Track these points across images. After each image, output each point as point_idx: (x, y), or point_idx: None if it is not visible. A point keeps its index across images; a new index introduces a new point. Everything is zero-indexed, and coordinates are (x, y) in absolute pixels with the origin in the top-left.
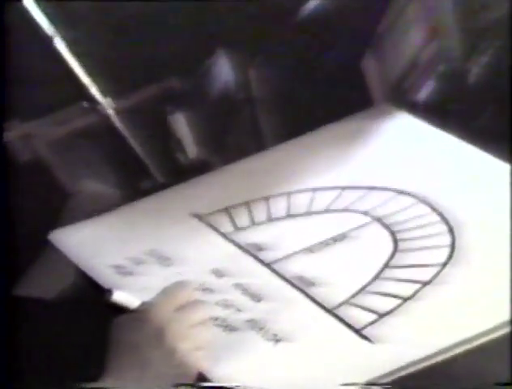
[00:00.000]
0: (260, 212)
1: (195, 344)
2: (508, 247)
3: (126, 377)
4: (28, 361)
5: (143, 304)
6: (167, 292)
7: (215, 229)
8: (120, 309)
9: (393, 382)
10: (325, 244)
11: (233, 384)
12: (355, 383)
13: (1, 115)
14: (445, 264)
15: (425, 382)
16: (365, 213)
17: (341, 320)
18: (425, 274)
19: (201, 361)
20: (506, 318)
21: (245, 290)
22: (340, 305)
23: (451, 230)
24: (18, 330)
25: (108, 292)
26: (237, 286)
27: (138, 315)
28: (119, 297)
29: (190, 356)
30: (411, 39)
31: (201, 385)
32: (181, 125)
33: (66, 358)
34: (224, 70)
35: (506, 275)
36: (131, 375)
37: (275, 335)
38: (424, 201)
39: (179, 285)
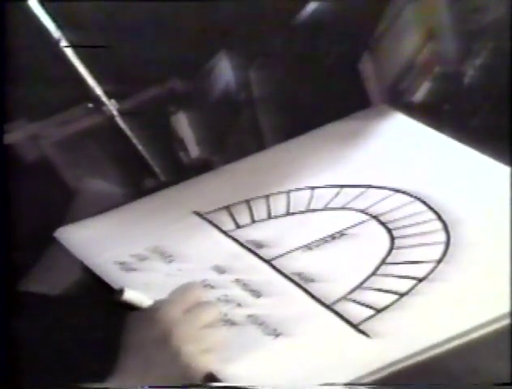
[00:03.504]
0: (260, 210)
1: (204, 346)
2: (502, 244)
3: (131, 377)
4: (31, 359)
5: (154, 304)
6: (177, 293)
7: (216, 227)
8: (130, 308)
9: (390, 380)
10: (323, 241)
11: (237, 380)
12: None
13: (4, 115)
14: (439, 261)
15: (424, 380)
16: (363, 211)
17: (339, 315)
18: (421, 270)
19: (210, 364)
20: (499, 313)
21: (245, 286)
22: (338, 300)
23: (446, 228)
24: (22, 327)
25: (120, 290)
26: (238, 282)
27: (146, 315)
28: (130, 295)
29: (198, 359)
30: (408, 41)
31: (210, 385)
32: (183, 125)
33: (69, 356)
34: (225, 72)
35: (500, 272)
36: (135, 375)
37: (275, 329)
38: (420, 199)
39: (189, 286)
